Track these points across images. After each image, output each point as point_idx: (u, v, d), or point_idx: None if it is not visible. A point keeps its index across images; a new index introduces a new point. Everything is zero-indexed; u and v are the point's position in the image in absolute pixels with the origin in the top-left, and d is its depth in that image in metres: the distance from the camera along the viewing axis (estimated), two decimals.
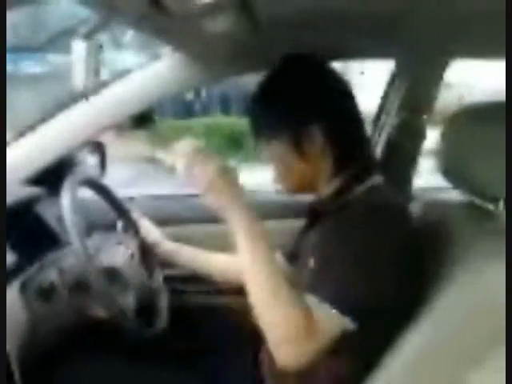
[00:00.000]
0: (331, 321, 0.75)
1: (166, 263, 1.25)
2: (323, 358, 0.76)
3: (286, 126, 0.90)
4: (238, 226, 0.78)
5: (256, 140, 0.95)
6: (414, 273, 0.82)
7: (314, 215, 0.99)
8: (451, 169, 0.87)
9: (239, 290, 1.03)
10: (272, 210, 1.48)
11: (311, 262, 0.85)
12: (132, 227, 1.17)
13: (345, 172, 0.91)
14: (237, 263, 1.17)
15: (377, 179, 0.91)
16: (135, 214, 1.25)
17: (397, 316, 0.79)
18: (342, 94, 0.94)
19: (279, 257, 1.16)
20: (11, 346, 0.85)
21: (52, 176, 1.21)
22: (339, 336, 0.76)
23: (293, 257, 1.10)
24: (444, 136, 0.88)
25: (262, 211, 1.44)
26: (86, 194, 1.16)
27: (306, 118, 0.89)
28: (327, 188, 0.93)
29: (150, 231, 1.26)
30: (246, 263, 0.79)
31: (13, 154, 1.17)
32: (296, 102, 0.90)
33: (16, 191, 1.08)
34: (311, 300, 0.77)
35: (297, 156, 0.90)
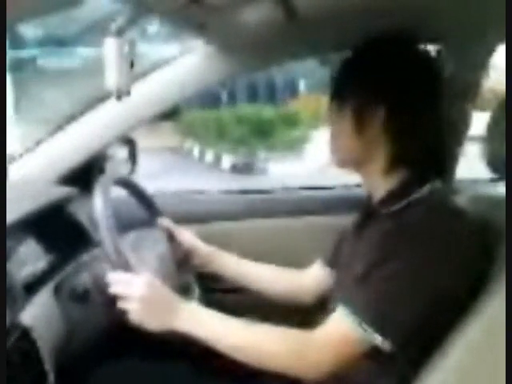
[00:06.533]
0: (354, 338, 0.75)
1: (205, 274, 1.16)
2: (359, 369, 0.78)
3: (355, 96, 0.87)
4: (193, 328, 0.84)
5: (331, 102, 0.93)
6: (472, 285, 0.76)
7: (367, 215, 0.94)
8: (499, 158, 0.82)
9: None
10: (317, 207, 1.44)
11: (358, 268, 0.80)
12: (164, 227, 1.15)
13: (404, 169, 0.87)
14: (284, 276, 1.15)
15: (438, 184, 0.86)
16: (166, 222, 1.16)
17: (445, 325, 0.75)
18: (428, 80, 0.87)
19: (318, 266, 1.12)
20: (46, 347, 0.84)
21: (83, 173, 1.20)
22: (371, 350, 0.75)
23: (334, 258, 1.05)
24: (492, 123, 0.83)
25: (306, 208, 1.42)
26: (120, 191, 1.13)
27: (375, 94, 0.85)
28: (384, 183, 0.88)
29: (186, 237, 1.15)
30: (219, 343, 0.83)
31: (44, 153, 1.17)
32: (375, 77, 0.86)
33: (48, 191, 1.07)
34: (340, 312, 0.78)
35: (355, 130, 0.87)
